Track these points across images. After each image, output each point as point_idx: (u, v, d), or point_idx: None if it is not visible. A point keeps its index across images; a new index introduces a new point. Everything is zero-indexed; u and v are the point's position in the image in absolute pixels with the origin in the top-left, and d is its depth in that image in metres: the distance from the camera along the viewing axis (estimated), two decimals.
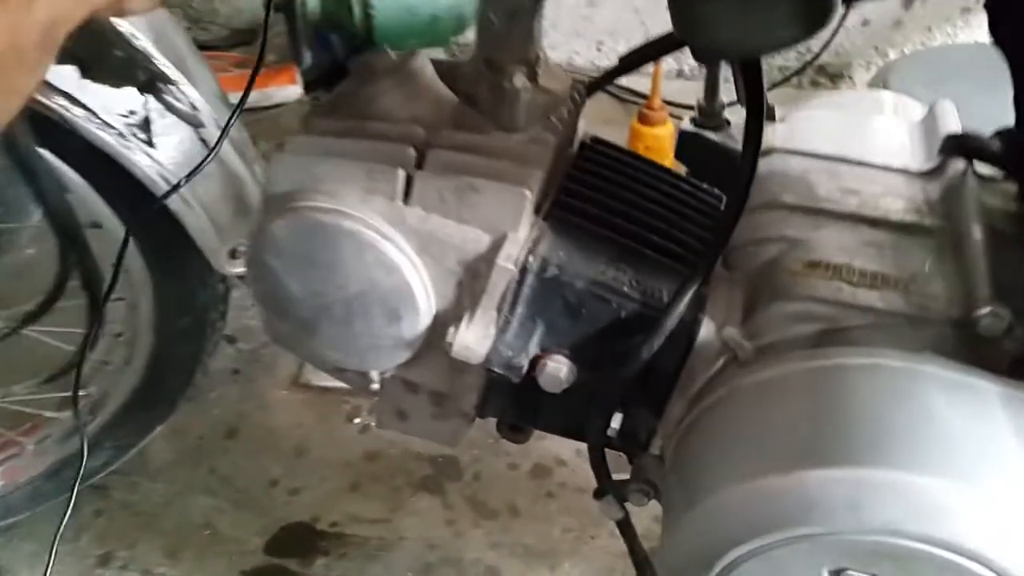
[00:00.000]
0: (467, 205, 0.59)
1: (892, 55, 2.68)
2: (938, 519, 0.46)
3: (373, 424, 1.32)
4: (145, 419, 1.20)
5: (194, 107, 1.04)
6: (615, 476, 0.67)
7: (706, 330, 0.59)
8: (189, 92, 1.03)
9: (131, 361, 1.14)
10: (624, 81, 2.67)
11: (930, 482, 0.46)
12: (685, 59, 2.51)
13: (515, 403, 0.66)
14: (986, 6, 0.52)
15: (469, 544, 1.20)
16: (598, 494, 0.69)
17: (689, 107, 0.81)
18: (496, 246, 0.59)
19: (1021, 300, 0.54)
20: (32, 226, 1.00)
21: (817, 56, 1.55)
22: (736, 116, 0.80)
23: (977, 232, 0.59)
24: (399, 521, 1.23)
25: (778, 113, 0.77)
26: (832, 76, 2.37)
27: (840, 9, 0.50)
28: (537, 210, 0.63)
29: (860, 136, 0.74)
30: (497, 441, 1.32)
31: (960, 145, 0.59)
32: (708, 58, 0.54)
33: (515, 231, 0.59)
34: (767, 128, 0.75)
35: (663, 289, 0.61)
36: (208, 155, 0.85)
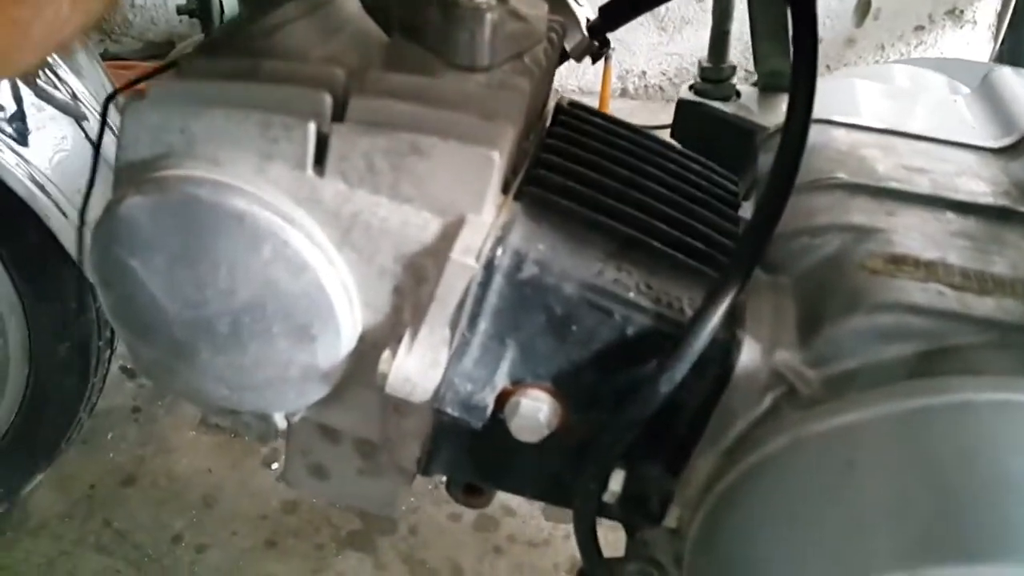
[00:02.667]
0: (408, 175, 0.41)
1: None
2: None
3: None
4: (23, 464, 1.06)
5: (75, 96, 0.89)
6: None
7: (749, 354, 0.41)
8: (70, 80, 0.88)
9: (2, 395, 0.98)
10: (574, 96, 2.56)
11: None
12: (629, 78, 2.40)
13: (474, 456, 0.48)
14: None
15: None
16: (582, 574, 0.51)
17: None
18: (450, 235, 0.41)
19: None
20: None
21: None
22: (746, 86, 0.64)
23: None
24: None
25: None
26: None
27: None
28: (505, 188, 0.45)
29: (909, 108, 0.58)
30: (437, 487, 1.16)
31: None
32: None
33: (476, 213, 0.41)
34: (781, 97, 0.59)
35: (683, 297, 0.43)
36: (95, 163, 0.68)
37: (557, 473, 0.47)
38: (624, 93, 2.43)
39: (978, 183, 0.49)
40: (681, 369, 0.41)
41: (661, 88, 2.43)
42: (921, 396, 0.36)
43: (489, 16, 0.41)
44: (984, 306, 0.39)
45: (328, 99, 0.41)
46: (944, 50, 2.52)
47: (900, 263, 0.41)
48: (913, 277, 0.40)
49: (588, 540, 0.48)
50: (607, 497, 0.45)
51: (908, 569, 0.31)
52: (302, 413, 0.49)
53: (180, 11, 1.91)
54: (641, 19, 0.63)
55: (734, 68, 0.62)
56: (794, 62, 0.43)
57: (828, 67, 2.71)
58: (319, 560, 1.12)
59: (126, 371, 1.34)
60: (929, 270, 0.41)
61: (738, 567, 0.38)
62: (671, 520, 0.45)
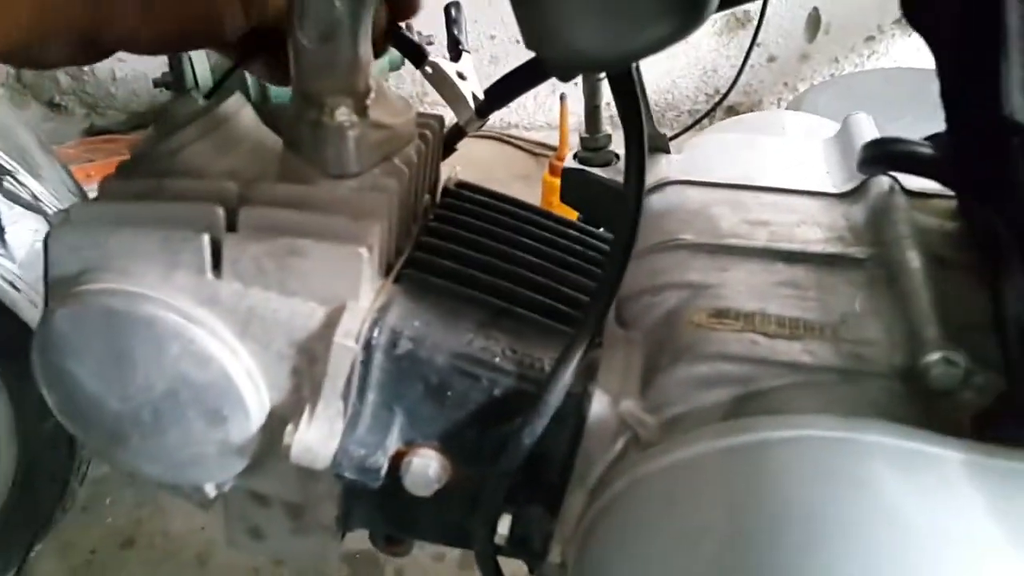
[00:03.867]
0: (292, 272, 0.47)
1: (802, 88, 2.67)
2: None
3: None
4: (22, 535, 1.11)
5: (36, 197, 0.97)
6: None
7: (599, 404, 0.47)
8: (28, 182, 0.96)
9: None
10: (536, 136, 2.63)
11: None
12: (611, 108, 2.48)
13: (383, 511, 0.54)
14: None
15: None
16: None
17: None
18: (332, 321, 0.47)
19: (977, 340, 0.43)
20: None
21: (725, 96, 1.51)
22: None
23: (915, 259, 0.48)
24: None
25: (674, 144, 0.68)
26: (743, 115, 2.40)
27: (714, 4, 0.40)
28: (389, 271, 0.52)
29: (767, 159, 0.64)
30: None
31: (883, 154, 0.50)
32: (566, 72, 0.44)
33: (355, 299, 0.47)
34: (662, 160, 0.65)
35: (544, 358, 0.49)
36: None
37: (456, 521, 0.53)
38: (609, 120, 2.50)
39: (815, 230, 0.54)
40: (541, 423, 0.46)
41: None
42: (727, 436, 0.41)
43: (351, 132, 0.48)
44: (792, 350, 0.45)
45: (221, 212, 0.48)
46: (897, 58, 2.58)
47: (722, 316, 0.47)
48: (732, 328, 0.46)
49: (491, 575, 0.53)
50: (497, 539, 0.51)
51: None
52: (230, 483, 0.55)
53: (156, 84, 1.99)
54: None
55: (609, 136, 0.68)
56: (625, 141, 0.49)
57: (786, 83, 2.77)
58: None
59: None
60: (747, 321, 0.47)
61: None
62: (556, 556, 0.51)
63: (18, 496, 1.09)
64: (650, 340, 0.49)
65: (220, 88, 0.60)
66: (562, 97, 1.89)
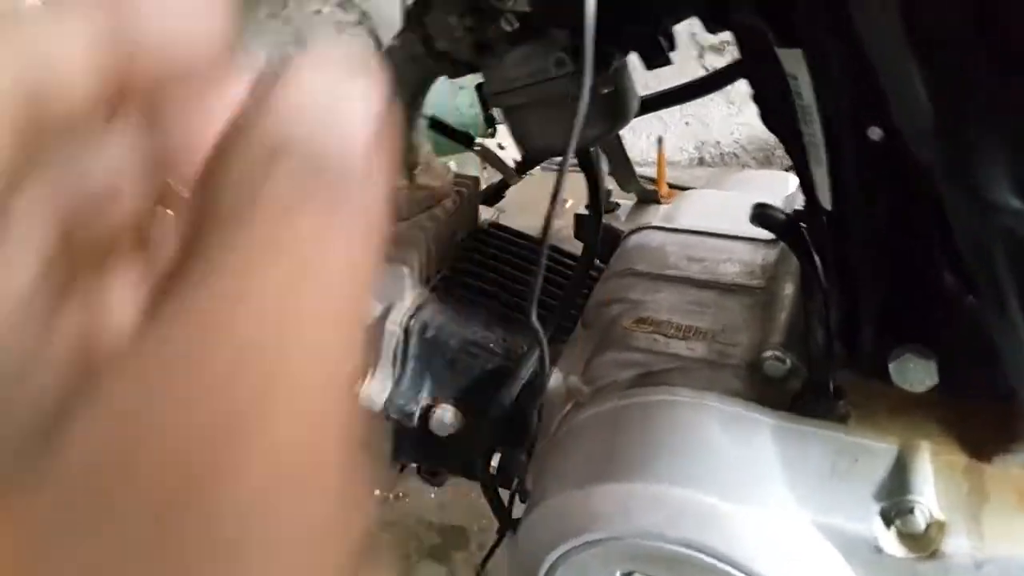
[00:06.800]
0: None
1: None
2: (696, 526, 0.55)
3: (391, 498, 1.47)
4: None
5: None
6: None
7: (555, 379, 0.70)
8: None
9: None
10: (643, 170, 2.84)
11: (690, 494, 0.56)
12: (705, 148, 2.65)
13: (419, 447, 0.79)
14: (754, 98, 0.62)
15: None
16: (501, 531, 0.79)
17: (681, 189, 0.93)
18: (386, 313, 0.73)
19: (806, 346, 0.63)
20: None
21: None
22: (627, 201, 0.93)
23: (787, 289, 0.68)
24: None
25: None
26: None
27: (635, 106, 0.63)
28: (428, 283, 0.76)
29: (733, 211, 0.84)
30: None
31: (757, 216, 0.69)
32: (538, 156, 0.67)
33: (400, 300, 0.73)
34: (651, 209, 0.87)
35: (524, 346, 0.72)
36: None
37: (467, 457, 0.77)
38: (702, 162, 2.68)
39: (735, 267, 0.75)
40: (515, 389, 0.70)
41: (736, 155, 2.67)
42: (625, 399, 0.63)
43: (400, 192, 0.73)
44: (679, 347, 0.66)
45: None
46: None
47: (642, 322, 0.69)
48: (645, 331, 0.68)
49: (494, 500, 0.77)
50: (492, 471, 0.74)
51: (583, 486, 0.59)
52: None
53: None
54: (711, 96, 0.82)
55: (609, 192, 0.90)
56: (588, 201, 0.72)
57: None
58: (405, 568, 1.35)
59: None
60: (657, 326, 0.68)
61: (532, 495, 0.66)
62: (528, 483, 0.74)
63: None
64: (596, 336, 0.71)
65: None
66: (659, 140, 2.10)
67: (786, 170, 1.04)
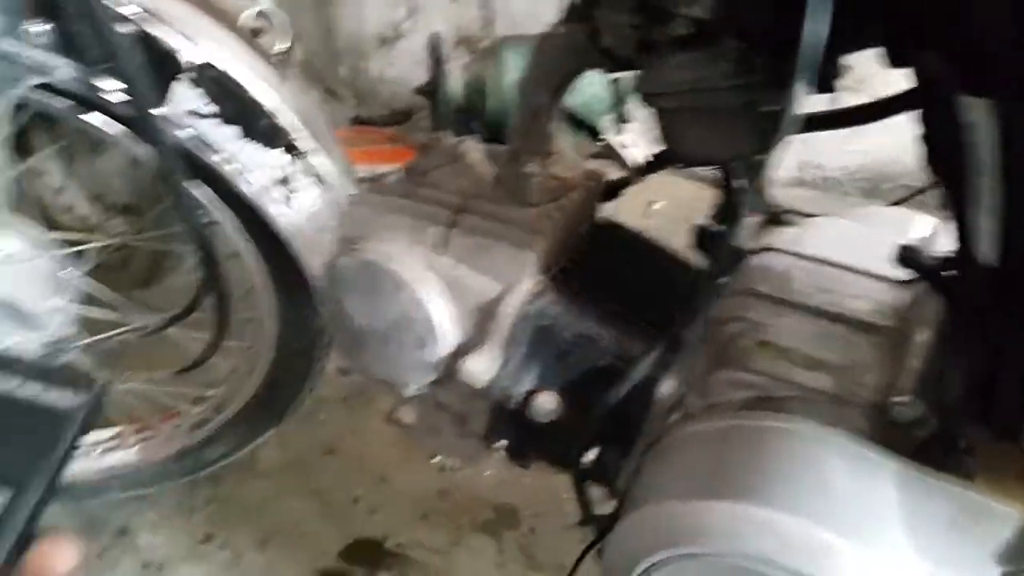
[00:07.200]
0: (486, 259, 0.73)
1: None
2: (809, 558, 0.54)
3: (448, 467, 1.48)
4: (260, 423, 1.39)
5: (324, 173, 1.24)
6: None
7: (667, 387, 0.69)
8: (322, 160, 1.24)
9: (253, 370, 1.35)
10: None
11: (805, 525, 0.55)
12: (807, 169, 2.58)
13: (515, 429, 0.79)
14: (923, 139, 0.60)
15: None
16: (582, 523, 0.79)
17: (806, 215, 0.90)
18: (503, 295, 0.73)
19: (942, 395, 0.61)
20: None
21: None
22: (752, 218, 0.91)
23: (921, 335, 0.66)
24: (456, 555, 1.36)
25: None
26: None
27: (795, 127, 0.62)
28: (548, 271, 0.76)
29: (863, 245, 0.82)
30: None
31: (905, 258, 0.67)
32: (691, 163, 0.66)
33: (520, 284, 0.73)
34: (776, 230, 0.85)
35: (637, 350, 0.72)
36: None
37: (560, 447, 0.77)
38: (802, 183, 2.61)
39: (865, 303, 0.73)
40: (624, 390, 0.69)
41: (840, 182, 2.58)
42: (740, 420, 0.62)
43: (534, 180, 0.73)
44: (802, 376, 0.65)
45: (449, 215, 0.75)
46: None
47: (765, 345, 0.67)
48: (767, 355, 0.66)
49: (580, 495, 0.77)
50: (584, 464, 0.74)
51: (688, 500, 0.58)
52: (424, 389, 0.82)
53: (416, 91, 2.33)
54: None
55: None
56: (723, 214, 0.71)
57: None
58: (457, 536, 1.38)
59: (341, 370, 1.71)
60: (781, 352, 0.67)
61: (630, 498, 0.66)
62: (622, 483, 0.74)
63: (266, 391, 1.37)
64: (714, 351, 0.70)
65: None
66: None
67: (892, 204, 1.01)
